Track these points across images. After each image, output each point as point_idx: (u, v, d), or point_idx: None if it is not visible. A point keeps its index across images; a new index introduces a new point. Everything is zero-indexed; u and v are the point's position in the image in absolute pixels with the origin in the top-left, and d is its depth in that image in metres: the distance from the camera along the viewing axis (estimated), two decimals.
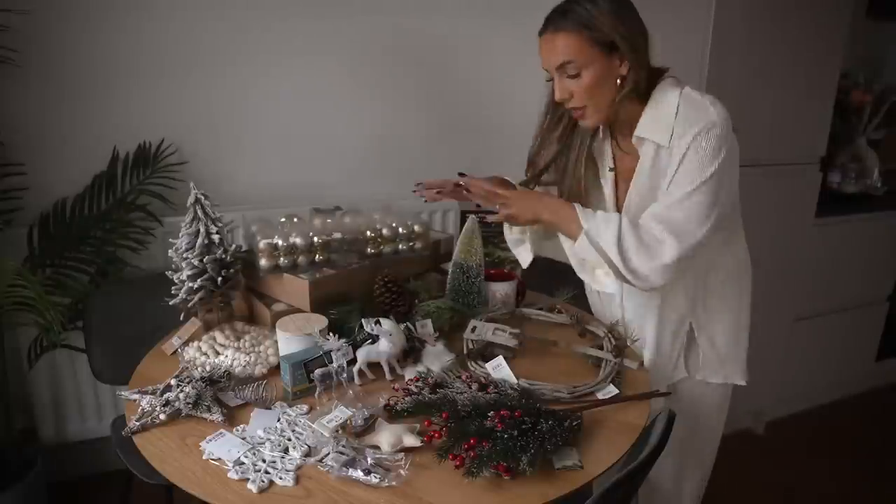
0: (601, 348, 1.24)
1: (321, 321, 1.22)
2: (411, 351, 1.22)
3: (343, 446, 0.94)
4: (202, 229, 1.27)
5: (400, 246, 1.45)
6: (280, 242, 1.32)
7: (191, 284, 1.26)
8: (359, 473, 0.89)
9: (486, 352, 1.24)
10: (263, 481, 0.89)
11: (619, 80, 1.13)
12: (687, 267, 1.17)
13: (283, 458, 0.94)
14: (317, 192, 2.13)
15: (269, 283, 1.39)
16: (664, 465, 1.34)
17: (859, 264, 2.52)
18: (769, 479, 2.24)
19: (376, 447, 0.95)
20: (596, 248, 1.12)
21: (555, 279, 1.61)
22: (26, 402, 1.87)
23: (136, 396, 1.08)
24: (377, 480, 0.88)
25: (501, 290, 1.45)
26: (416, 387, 1.06)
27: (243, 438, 0.99)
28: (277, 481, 0.89)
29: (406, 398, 1.03)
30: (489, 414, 0.94)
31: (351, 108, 2.16)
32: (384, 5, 2.11)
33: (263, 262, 1.33)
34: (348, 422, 1.00)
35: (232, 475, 0.90)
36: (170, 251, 1.29)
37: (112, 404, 1.94)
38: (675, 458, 1.36)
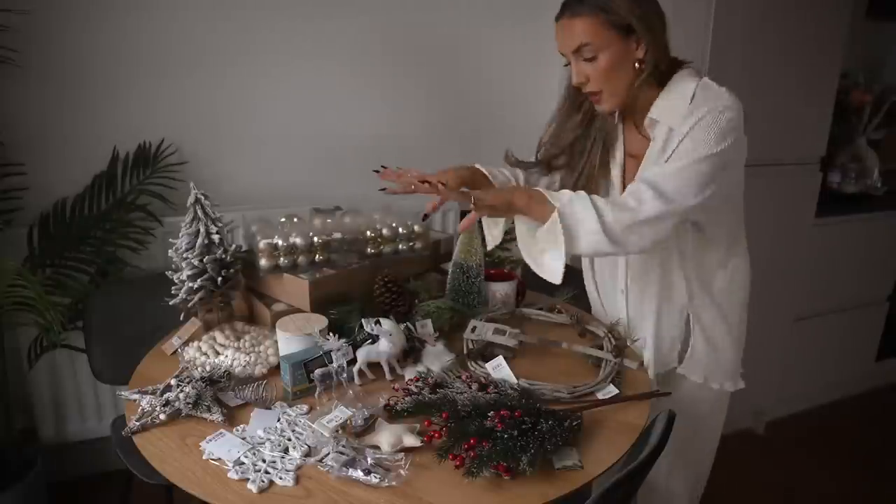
0: (601, 348, 1.24)
1: (321, 321, 1.22)
2: (411, 351, 1.22)
3: (343, 446, 0.94)
4: (202, 229, 1.27)
5: (400, 246, 1.45)
6: (280, 242, 1.32)
7: (191, 284, 1.26)
8: (359, 473, 0.89)
9: (486, 352, 1.24)
10: (263, 481, 0.89)
11: (636, 64, 1.13)
12: (670, 239, 1.15)
13: (283, 458, 0.94)
14: (317, 192, 2.13)
15: (269, 283, 1.39)
16: (662, 466, 1.35)
17: (859, 264, 2.52)
18: (769, 479, 2.24)
19: (376, 447, 0.95)
20: (570, 220, 1.06)
21: None
22: (26, 402, 1.87)
23: (136, 396, 1.08)
24: (377, 480, 0.88)
25: (501, 290, 1.45)
26: (416, 387, 1.06)
27: (243, 438, 0.99)
28: (277, 481, 0.89)
29: (406, 398, 1.03)
30: (489, 414, 0.94)
31: (351, 108, 2.16)
32: (384, 6, 2.11)
33: (263, 262, 1.33)
34: (348, 422, 1.00)
35: (232, 475, 0.90)
36: (170, 251, 1.29)
37: (112, 404, 1.94)
38: (674, 460, 1.36)
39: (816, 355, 2.55)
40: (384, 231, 1.43)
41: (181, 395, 1.04)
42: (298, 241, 1.33)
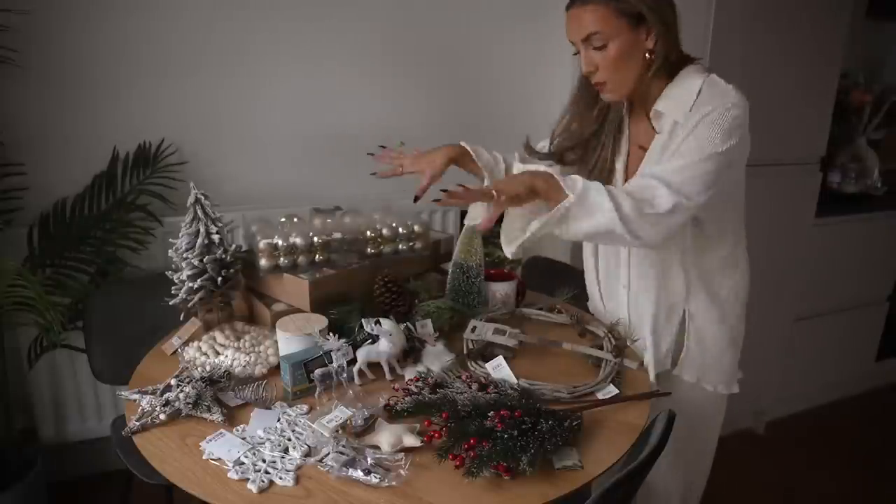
0: (601, 348, 1.24)
1: (321, 321, 1.22)
2: (411, 351, 1.22)
3: (343, 446, 0.94)
4: (202, 229, 1.27)
5: (400, 246, 1.45)
6: (280, 242, 1.32)
7: (191, 284, 1.26)
8: (359, 473, 0.89)
9: (486, 352, 1.24)
10: (263, 481, 0.89)
11: (646, 55, 1.13)
12: (677, 236, 1.15)
13: (283, 458, 0.94)
14: (317, 192, 2.14)
15: (269, 283, 1.39)
16: (661, 467, 1.34)
17: (859, 264, 2.52)
18: (769, 479, 2.24)
19: (376, 447, 0.95)
20: (586, 206, 1.04)
21: (555, 279, 1.61)
22: (26, 402, 1.87)
23: (136, 396, 1.08)
24: (377, 480, 0.88)
25: (501, 290, 1.45)
26: (416, 387, 1.06)
27: (243, 438, 0.99)
28: (277, 481, 0.89)
29: (406, 398, 1.03)
30: (489, 414, 0.94)
31: (352, 108, 2.16)
32: (384, 7, 2.11)
33: (263, 262, 1.33)
34: (348, 422, 1.00)
35: (232, 475, 0.90)
36: (170, 251, 1.29)
37: (112, 404, 1.94)
38: (672, 461, 1.36)
39: (816, 355, 2.55)
40: (384, 231, 1.43)
41: (181, 395, 1.04)
42: (298, 241, 1.33)
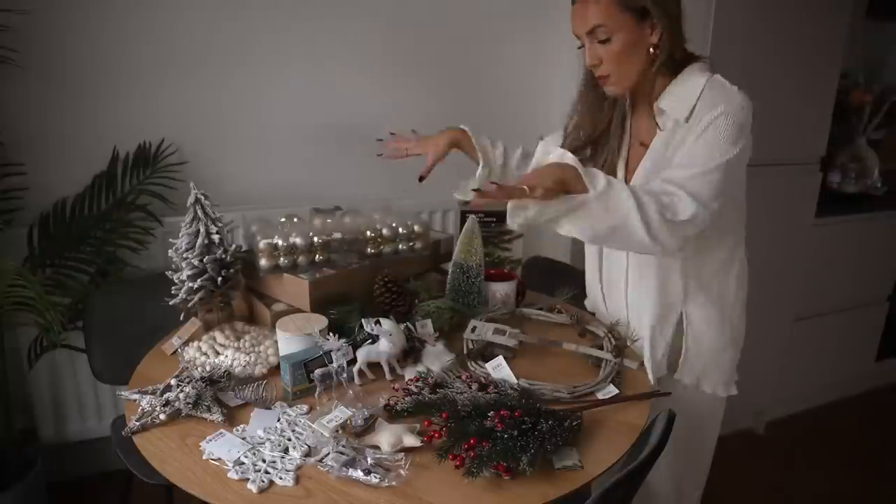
0: (601, 348, 1.24)
1: (321, 321, 1.22)
2: (411, 351, 1.22)
3: (343, 446, 0.94)
4: (202, 229, 1.27)
5: (400, 246, 1.45)
6: (280, 242, 1.33)
7: (191, 284, 1.26)
8: (359, 473, 0.89)
9: (486, 352, 1.24)
10: (263, 481, 0.89)
11: (650, 49, 1.13)
12: (691, 242, 1.15)
13: (283, 458, 0.94)
14: (317, 192, 2.14)
15: (269, 283, 1.39)
16: (660, 469, 1.34)
17: (859, 264, 2.52)
18: (769, 479, 2.24)
19: (376, 447, 0.95)
20: (607, 205, 1.02)
21: (555, 279, 1.61)
22: (26, 402, 1.87)
23: (136, 396, 1.08)
24: (377, 480, 0.88)
25: (501, 290, 1.45)
26: (416, 387, 1.06)
27: (243, 438, 0.99)
28: (277, 481, 0.89)
29: (406, 398, 1.03)
30: (489, 414, 0.94)
31: (352, 108, 2.16)
32: (385, 7, 2.11)
33: (263, 262, 1.33)
34: (348, 422, 1.00)
35: (232, 475, 0.90)
36: (170, 251, 1.29)
37: (112, 404, 1.94)
38: (671, 461, 1.35)
39: (816, 355, 2.55)
40: (384, 231, 1.43)
41: (181, 395, 1.04)
42: (298, 241, 1.33)
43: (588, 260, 1.45)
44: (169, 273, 1.28)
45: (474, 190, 1.03)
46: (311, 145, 2.13)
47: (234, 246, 1.32)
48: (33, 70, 1.76)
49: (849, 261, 2.48)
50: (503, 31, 2.29)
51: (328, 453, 0.94)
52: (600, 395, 1.11)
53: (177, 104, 1.94)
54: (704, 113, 1.11)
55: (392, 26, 2.14)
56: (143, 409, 1.04)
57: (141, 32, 1.85)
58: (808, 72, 2.06)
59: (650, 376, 1.24)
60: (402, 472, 0.90)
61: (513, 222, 1.04)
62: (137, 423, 1.02)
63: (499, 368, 1.15)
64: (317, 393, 1.09)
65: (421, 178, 1.38)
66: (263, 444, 0.97)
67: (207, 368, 1.14)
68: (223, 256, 1.29)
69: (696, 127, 1.11)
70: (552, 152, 1.06)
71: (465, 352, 1.23)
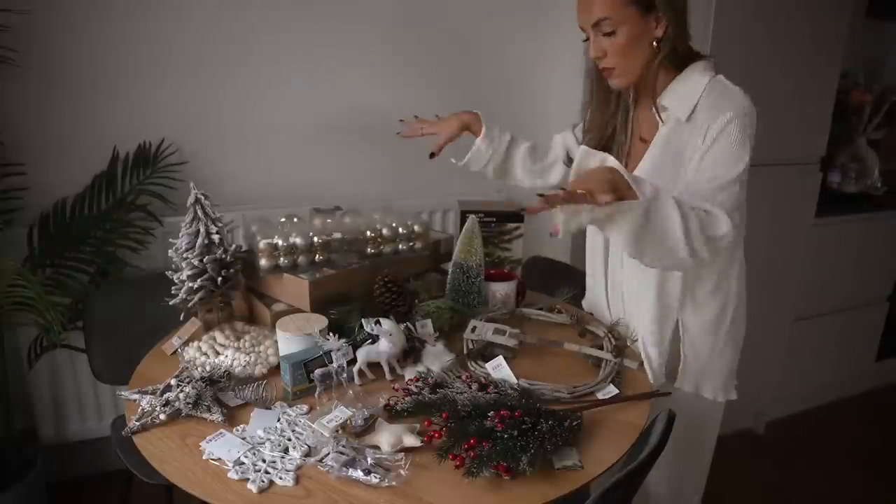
0: (601, 348, 1.24)
1: (321, 321, 1.22)
2: (411, 351, 1.22)
3: (343, 446, 0.94)
4: (202, 229, 1.27)
5: (400, 246, 1.45)
6: (280, 242, 1.33)
7: (191, 284, 1.26)
8: (359, 473, 0.89)
9: (486, 352, 1.24)
10: (263, 481, 0.89)
11: (654, 43, 1.14)
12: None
13: (283, 458, 0.94)
14: (317, 192, 2.13)
15: (269, 283, 1.39)
16: (659, 471, 1.34)
17: (859, 264, 2.52)
18: (769, 479, 2.24)
19: (376, 447, 0.95)
20: (653, 214, 0.98)
21: (555, 279, 1.61)
22: (26, 402, 1.87)
23: (136, 396, 1.08)
24: (377, 480, 0.88)
25: (501, 290, 1.45)
26: (416, 387, 1.06)
27: (243, 438, 0.99)
28: (277, 481, 0.89)
29: (406, 398, 1.03)
30: (489, 414, 0.94)
31: (352, 108, 2.16)
32: (386, 8, 2.11)
33: (263, 262, 1.33)
34: (348, 422, 1.00)
35: (232, 475, 0.90)
36: (170, 251, 1.29)
37: (112, 404, 1.94)
38: (671, 462, 1.35)
39: (816, 355, 2.55)
40: (384, 231, 1.43)
41: (181, 395, 1.04)
42: (298, 241, 1.33)
43: (590, 260, 1.45)
44: (169, 273, 1.28)
45: (539, 195, 0.97)
46: (310, 145, 2.13)
47: (234, 246, 1.32)
48: (33, 70, 1.76)
49: (849, 261, 2.48)
50: (503, 30, 2.29)
51: (328, 453, 0.93)
52: (600, 395, 1.11)
53: (176, 104, 1.94)
54: (707, 115, 1.11)
55: (392, 26, 2.14)
56: (143, 409, 1.04)
57: (141, 32, 1.85)
58: (808, 72, 2.06)
59: (650, 377, 1.24)
60: (402, 472, 0.90)
61: (567, 229, 1.00)
62: (137, 423, 1.02)
63: (499, 368, 1.15)
64: (317, 393, 1.09)
65: (432, 155, 1.50)
66: (263, 444, 0.97)
67: (207, 368, 1.14)
68: (223, 256, 1.29)
69: (704, 134, 1.11)
70: (593, 155, 1.00)
71: (465, 352, 1.23)
